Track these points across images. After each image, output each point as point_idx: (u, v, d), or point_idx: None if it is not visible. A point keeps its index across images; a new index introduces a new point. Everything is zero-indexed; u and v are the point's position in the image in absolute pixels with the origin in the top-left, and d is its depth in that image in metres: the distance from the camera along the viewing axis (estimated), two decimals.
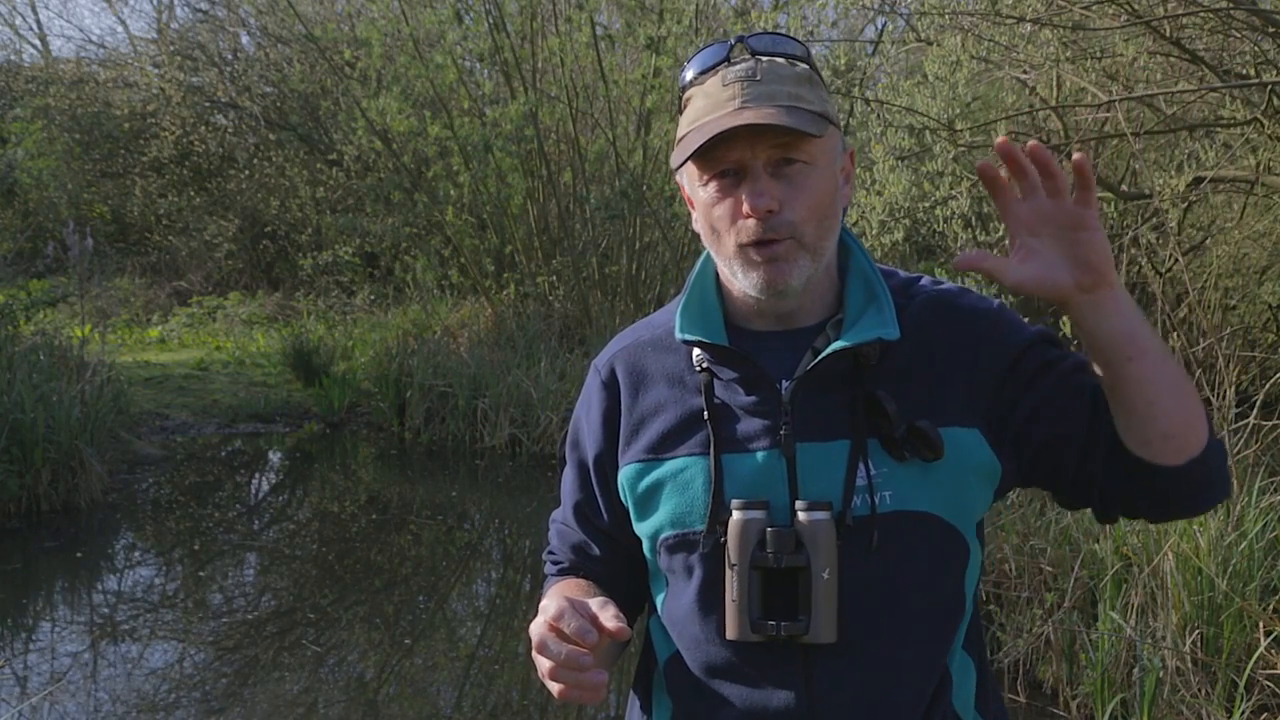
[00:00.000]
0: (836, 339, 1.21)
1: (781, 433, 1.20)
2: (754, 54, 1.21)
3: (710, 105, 1.19)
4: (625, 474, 1.29)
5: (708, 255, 1.31)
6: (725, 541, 1.18)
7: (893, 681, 1.19)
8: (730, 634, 1.19)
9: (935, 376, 1.21)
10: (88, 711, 3.95)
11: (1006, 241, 1.15)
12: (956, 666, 1.24)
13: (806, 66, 1.23)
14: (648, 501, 1.26)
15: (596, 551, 1.35)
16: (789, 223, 1.18)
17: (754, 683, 1.21)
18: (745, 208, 1.18)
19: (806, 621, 1.15)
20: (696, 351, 1.26)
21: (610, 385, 1.33)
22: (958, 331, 1.23)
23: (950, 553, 1.21)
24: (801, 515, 1.16)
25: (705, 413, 1.23)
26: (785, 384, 1.21)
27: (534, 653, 1.12)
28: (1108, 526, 3.89)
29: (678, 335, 1.26)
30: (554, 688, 1.11)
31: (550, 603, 1.12)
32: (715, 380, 1.24)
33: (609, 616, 1.09)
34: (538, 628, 1.11)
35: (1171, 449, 1.13)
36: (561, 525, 1.39)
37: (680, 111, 1.26)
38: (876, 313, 1.21)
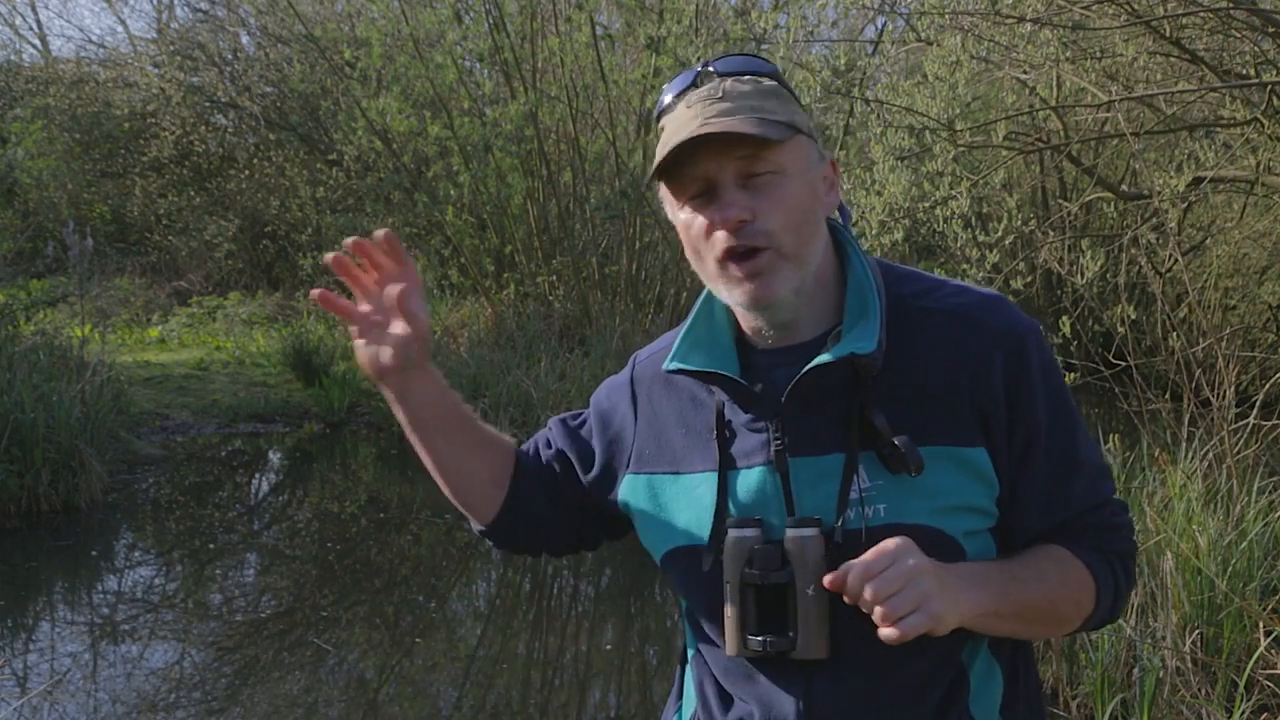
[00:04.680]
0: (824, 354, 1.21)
1: (773, 449, 1.21)
2: (720, 76, 1.22)
3: (676, 127, 1.21)
4: (635, 482, 1.33)
5: None
6: (723, 558, 1.21)
7: (894, 694, 1.20)
8: (728, 649, 1.21)
9: (943, 392, 1.19)
10: (88, 711, 3.95)
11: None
12: (979, 672, 1.24)
13: (774, 83, 1.23)
14: (658, 513, 1.30)
15: (549, 449, 1.45)
16: (764, 231, 1.18)
17: (760, 692, 1.24)
18: (715, 222, 1.18)
19: (794, 638, 1.17)
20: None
21: (637, 386, 1.38)
22: (975, 349, 1.20)
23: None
24: (789, 532, 1.17)
25: (714, 431, 1.26)
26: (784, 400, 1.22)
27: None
28: None
29: (665, 365, 1.30)
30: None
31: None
32: (725, 400, 1.27)
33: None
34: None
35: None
36: (548, 425, 1.50)
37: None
38: (864, 325, 1.20)
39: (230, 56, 15.53)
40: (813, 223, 1.22)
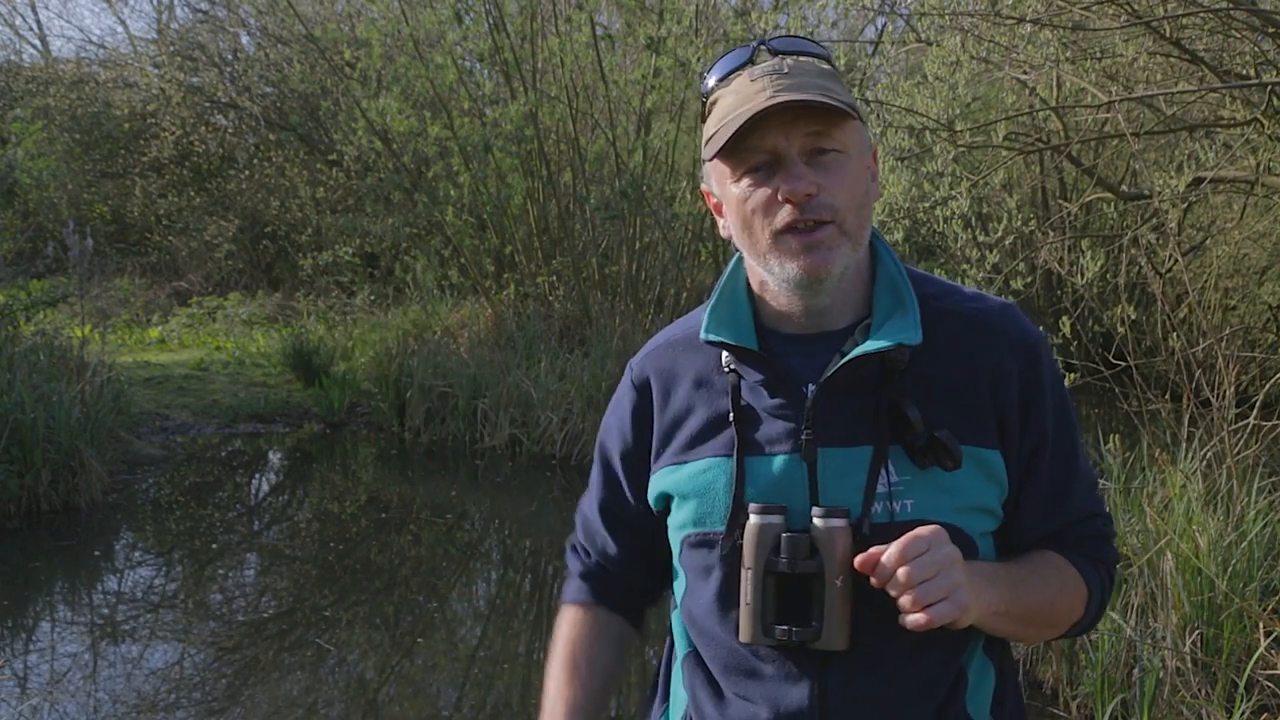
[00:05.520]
0: (864, 343, 1.21)
1: (803, 437, 1.20)
2: (777, 54, 1.22)
3: (740, 100, 1.19)
4: (660, 477, 1.31)
5: (738, 259, 1.31)
6: (742, 544, 1.19)
7: (906, 688, 1.20)
8: (743, 637, 1.19)
9: (966, 392, 1.21)
10: (88, 712, 3.95)
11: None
12: (975, 669, 1.24)
13: (830, 66, 1.24)
14: (674, 499, 1.29)
15: (614, 551, 1.39)
16: (830, 206, 1.17)
17: (769, 684, 1.21)
18: (781, 194, 1.17)
19: (819, 628, 1.15)
20: (725, 353, 1.26)
21: (642, 388, 1.35)
22: (996, 356, 1.23)
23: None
24: (818, 521, 1.16)
25: (731, 414, 1.24)
26: (811, 388, 1.21)
27: None
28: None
29: (702, 335, 1.26)
30: None
31: None
32: (742, 382, 1.25)
33: None
34: None
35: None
36: (587, 515, 1.43)
37: (704, 118, 1.26)
38: (902, 317, 1.21)
39: (230, 57, 15.53)
40: (868, 206, 1.23)
